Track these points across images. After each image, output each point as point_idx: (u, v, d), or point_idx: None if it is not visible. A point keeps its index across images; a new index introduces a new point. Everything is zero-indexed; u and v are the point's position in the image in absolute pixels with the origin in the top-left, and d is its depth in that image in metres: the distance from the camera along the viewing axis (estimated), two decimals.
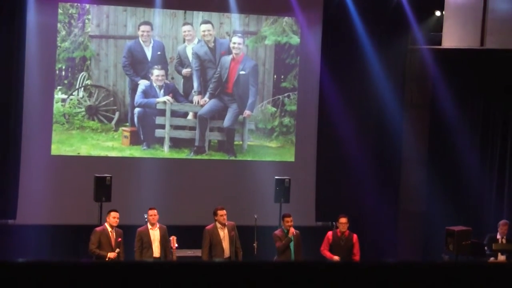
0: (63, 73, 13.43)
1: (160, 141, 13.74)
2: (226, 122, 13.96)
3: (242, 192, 13.65)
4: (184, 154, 13.86)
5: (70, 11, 13.37)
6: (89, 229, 11.40)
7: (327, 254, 11.65)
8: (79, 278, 3.20)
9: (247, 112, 14.01)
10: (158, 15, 13.64)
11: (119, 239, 11.05)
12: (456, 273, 3.59)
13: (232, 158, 14.02)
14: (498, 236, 12.36)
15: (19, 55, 12.94)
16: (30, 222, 12.90)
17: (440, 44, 13.98)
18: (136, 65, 13.58)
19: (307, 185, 14.05)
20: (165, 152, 13.77)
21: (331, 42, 14.16)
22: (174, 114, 13.78)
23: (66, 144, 13.37)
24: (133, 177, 13.41)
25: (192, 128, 13.87)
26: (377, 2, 14.23)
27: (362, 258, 12.04)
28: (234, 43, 13.90)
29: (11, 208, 12.94)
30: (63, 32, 13.34)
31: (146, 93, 13.62)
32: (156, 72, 13.62)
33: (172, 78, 13.77)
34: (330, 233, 11.81)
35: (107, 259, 10.78)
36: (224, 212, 11.38)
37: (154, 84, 13.64)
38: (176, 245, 11.36)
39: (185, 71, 13.78)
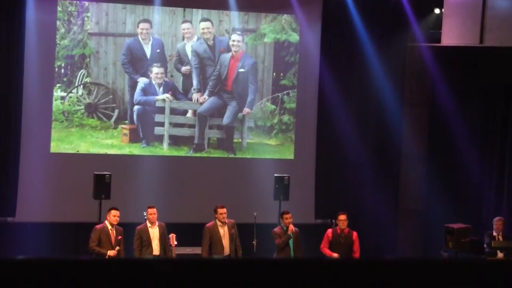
0: (62, 70, 13.42)
1: (160, 138, 13.74)
2: (226, 119, 13.96)
3: (241, 190, 13.65)
4: (184, 152, 13.86)
5: (69, 9, 13.37)
6: (89, 227, 11.40)
7: (327, 251, 11.67)
8: (79, 276, 3.20)
9: (246, 110, 14.01)
10: (158, 13, 13.63)
11: (119, 237, 11.05)
12: (455, 271, 3.59)
13: (232, 155, 14.02)
14: (494, 233, 12.38)
15: (18, 53, 12.93)
16: (29, 220, 12.90)
17: (439, 41, 13.98)
18: (136, 62, 13.58)
19: (307, 183, 14.05)
20: (165, 149, 13.76)
21: (331, 40, 14.16)
22: (173, 111, 13.78)
23: (65, 141, 13.36)
24: (132, 175, 13.41)
25: (191, 126, 13.87)
26: (377, 0, 14.23)
27: (361, 256, 12.04)
28: (234, 40, 13.89)
29: (10, 206, 12.93)
30: (62, 30, 13.33)
31: (146, 91, 13.62)
32: (156, 70, 13.62)
33: (172, 76, 13.77)
34: (329, 231, 11.82)
35: (107, 257, 10.77)
36: (224, 210, 11.39)
37: (154, 82, 13.64)
38: (176, 242, 11.37)
39: (184, 68, 13.77)
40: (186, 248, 12.18)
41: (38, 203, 12.97)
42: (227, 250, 11.42)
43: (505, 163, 14.00)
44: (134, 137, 13.65)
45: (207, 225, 11.48)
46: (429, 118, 14.78)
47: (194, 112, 13.85)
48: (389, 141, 14.34)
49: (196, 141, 13.87)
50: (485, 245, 12.15)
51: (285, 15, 14.09)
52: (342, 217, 11.70)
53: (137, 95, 13.58)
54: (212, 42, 13.83)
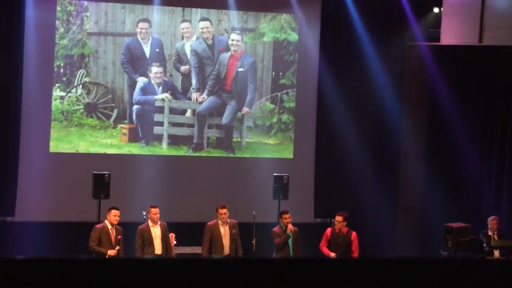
0: (62, 70, 13.41)
1: (159, 138, 13.73)
2: (225, 119, 13.96)
3: (240, 189, 13.65)
4: (183, 151, 13.86)
5: (68, 8, 13.36)
6: (88, 226, 11.39)
7: (325, 250, 11.67)
8: (79, 275, 3.20)
9: (245, 109, 14.01)
10: (157, 12, 13.63)
11: (119, 236, 11.05)
12: (455, 270, 3.59)
13: (231, 155, 14.02)
14: (490, 233, 12.39)
15: (17, 52, 12.93)
16: (29, 219, 12.90)
17: (438, 40, 13.99)
18: (135, 62, 13.58)
19: (306, 182, 14.05)
20: (164, 149, 13.76)
21: (330, 39, 14.16)
22: (172, 111, 13.77)
23: (64, 141, 13.36)
24: (131, 174, 13.40)
25: (190, 125, 13.87)
26: None
27: (360, 255, 12.04)
28: (233, 40, 13.89)
29: (9, 205, 12.93)
30: (62, 29, 13.33)
31: (145, 90, 13.62)
32: (155, 69, 13.62)
33: (171, 75, 13.76)
34: (329, 230, 11.83)
35: (107, 256, 10.77)
36: (224, 210, 11.40)
37: (153, 81, 13.64)
38: (175, 242, 11.37)
39: (183, 68, 13.77)
40: (186, 247, 12.18)
41: (37, 203, 12.96)
42: (227, 249, 11.43)
43: (504, 161, 14.00)
44: (133, 137, 13.64)
45: (208, 223, 11.50)
46: (429, 117, 14.78)
47: (193, 111, 13.86)
48: (388, 140, 14.35)
49: (195, 140, 13.87)
50: (484, 244, 12.15)
51: (284, 15, 14.09)
52: (338, 218, 11.68)
53: (136, 95, 13.58)
54: (211, 41, 13.83)
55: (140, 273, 3.27)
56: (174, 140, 13.81)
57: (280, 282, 3.34)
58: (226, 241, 11.42)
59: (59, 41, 13.29)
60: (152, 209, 11.29)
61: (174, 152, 13.81)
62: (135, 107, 13.60)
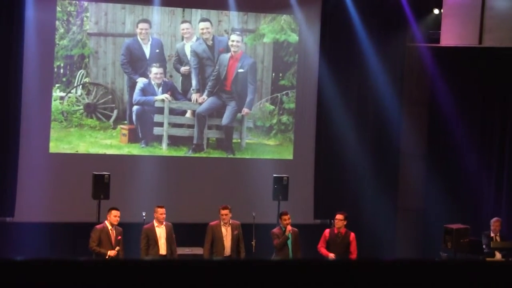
0: (61, 70, 13.41)
1: (159, 139, 13.73)
2: (225, 120, 13.96)
3: (240, 190, 13.65)
4: (183, 152, 13.85)
5: (68, 9, 13.36)
6: (88, 227, 11.39)
7: (323, 251, 11.65)
8: (78, 277, 3.20)
9: (245, 110, 14.00)
10: (157, 13, 13.63)
11: (119, 237, 11.06)
12: (454, 271, 3.59)
13: (231, 156, 14.02)
14: (492, 234, 12.38)
15: (17, 53, 12.93)
16: (28, 220, 12.90)
17: (438, 42, 13.99)
18: (135, 63, 13.58)
19: (306, 183, 14.05)
20: (164, 150, 13.76)
21: (330, 40, 14.16)
22: (172, 112, 13.77)
23: (64, 141, 13.36)
24: (131, 175, 13.40)
25: (190, 126, 13.87)
26: (376, 0, 14.23)
27: (360, 256, 12.04)
28: (233, 41, 13.89)
29: (9, 206, 12.93)
30: (62, 30, 13.32)
31: (145, 91, 13.62)
32: (155, 70, 13.61)
33: (171, 76, 13.76)
34: (327, 231, 11.82)
35: (107, 257, 10.78)
36: (226, 211, 11.41)
37: (153, 82, 13.64)
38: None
39: (183, 69, 13.77)
40: (185, 248, 12.18)
41: (37, 203, 12.96)
42: (227, 250, 11.43)
43: (504, 162, 14.01)
44: (133, 137, 13.64)
45: (210, 223, 11.54)
46: (428, 118, 14.79)
47: (193, 112, 13.85)
48: (388, 141, 14.35)
49: (195, 141, 13.87)
50: (484, 246, 12.15)
51: (284, 16, 14.09)
52: (339, 216, 11.69)
53: (136, 95, 13.58)
54: (211, 42, 13.83)
55: (140, 275, 3.27)
56: (174, 141, 13.81)
57: (279, 284, 3.34)
58: (227, 242, 11.43)
59: (59, 42, 13.29)
60: (159, 209, 11.31)
61: (174, 153, 13.81)
62: (135, 107, 13.60)
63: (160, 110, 13.71)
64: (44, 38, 13.12)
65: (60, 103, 13.36)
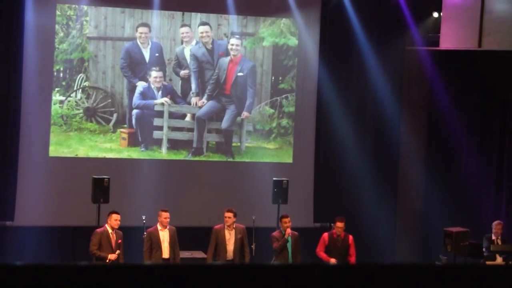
0: (61, 74, 13.42)
1: (158, 142, 13.73)
2: (224, 123, 13.96)
3: (240, 194, 13.64)
4: (182, 156, 13.85)
5: (68, 13, 13.37)
6: (87, 231, 11.39)
7: (323, 255, 11.63)
8: (78, 281, 3.20)
9: (245, 114, 14.01)
10: (156, 17, 13.63)
11: (119, 240, 11.06)
12: (454, 275, 3.59)
13: (230, 159, 14.02)
14: (493, 237, 12.38)
15: (17, 57, 12.93)
16: (28, 224, 12.89)
17: (438, 45, 14.00)
18: (134, 66, 13.58)
19: (305, 186, 14.05)
20: (163, 153, 13.76)
21: (329, 43, 14.17)
22: (172, 115, 13.78)
23: (64, 145, 13.36)
24: (131, 179, 13.40)
25: (190, 130, 13.87)
26: (375, 4, 14.25)
27: (360, 259, 12.05)
28: (232, 44, 13.89)
29: (9, 210, 12.92)
30: (61, 34, 13.33)
31: (144, 95, 13.62)
32: (154, 74, 13.62)
33: (170, 80, 13.77)
34: (326, 235, 11.80)
35: (107, 260, 10.78)
36: (230, 215, 11.45)
37: (152, 86, 13.64)
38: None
39: (183, 72, 13.77)
40: (185, 252, 12.18)
41: (36, 207, 12.96)
42: (230, 254, 11.44)
43: (503, 165, 14.01)
44: (132, 141, 13.64)
45: (215, 227, 11.57)
46: (428, 121, 14.80)
47: (193, 116, 13.86)
48: (388, 144, 14.35)
49: (194, 145, 13.87)
50: (484, 249, 12.15)
51: (283, 19, 14.10)
52: (340, 224, 11.70)
53: (136, 99, 13.59)
54: (210, 46, 13.84)
55: (140, 279, 3.27)
56: (174, 145, 13.81)
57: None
58: (230, 246, 11.44)
59: (58, 46, 13.29)
60: (163, 213, 11.33)
61: (174, 156, 13.81)
62: (134, 111, 13.60)
63: (160, 114, 13.71)
64: (43, 42, 13.12)
65: (59, 107, 13.36)
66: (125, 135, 13.62)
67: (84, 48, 13.39)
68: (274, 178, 13.00)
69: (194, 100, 13.83)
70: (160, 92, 13.68)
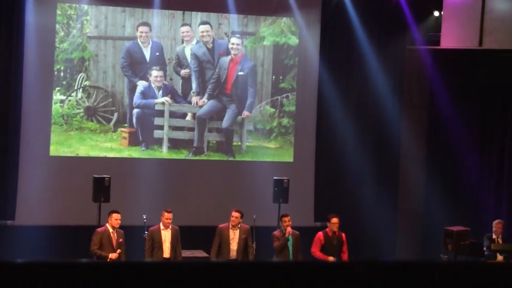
0: (62, 74, 13.42)
1: (159, 142, 13.74)
2: (225, 122, 13.96)
3: (240, 193, 13.65)
4: (183, 155, 13.86)
5: (68, 12, 13.37)
6: (88, 230, 11.40)
7: (320, 255, 11.57)
8: (79, 279, 3.20)
9: (245, 113, 14.01)
10: (157, 16, 13.64)
11: (120, 239, 11.07)
12: (455, 273, 3.59)
13: (231, 158, 14.02)
14: (494, 236, 12.38)
15: (17, 56, 12.94)
16: (29, 223, 12.90)
17: (438, 44, 14.00)
18: (135, 66, 13.58)
19: (306, 186, 14.06)
20: (164, 153, 13.76)
21: (330, 43, 14.17)
22: (172, 115, 13.78)
23: (64, 145, 13.37)
24: (131, 178, 13.40)
25: (190, 129, 13.87)
26: (376, 3, 14.25)
27: (360, 258, 12.04)
28: (233, 43, 13.89)
29: (9, 209, 12.93)
30: (62, 33, 13.33)
31: (145, 94, 13.62)
32: (155, 73, 13.62)
33: (171, 79, 13.77)
34: (320, 234, 11.71)
35: (108, 259, 10.79)
36: (236, 214, 11.48)
37: (153, 85, 13.64)
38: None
39: (183, 72, 13.78)
40: (186, 251, 12.17)
41: (37, 206, 12.97)
42: (233, 253, 11.46)
43: (503, 165, 14.01)
44: (133, 140, 13.65)
45: (220, 225, 11.58)
46: (428, 120, 14.80)
47: (194, 115, 13.86)
48: (388, 143, 14.35)
49: (195, 144, 13.87)
50: (484, 248, 12.15)
51: (284, 18, 14.10)
52: (335, 220, 11.65)
53: (136, 98, 13.59)
54: (211, 45, 13.84)
55: (141, 277, 3.27)
56: (174, 144, 13.81)
57: (278, 285, 3.35)
58: (234, 246, 11.47)
59: (59, 45, 13.30)
60: (165, 213, 11.35)
61: (174, 155, 13.81)
62: (135, 110, 13.60)
63: (160, 113, 13.71)
64: (44, 42, 13.13)
65: (60, 106, 13.36)
66: (126, 135, 13.62)
67: (84, 47, 13.39)
68: (274, 177, 12.99)
69: (194, 99, 13.83)
70: (160, 92, 13.68)
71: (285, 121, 14.22)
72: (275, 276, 3.36)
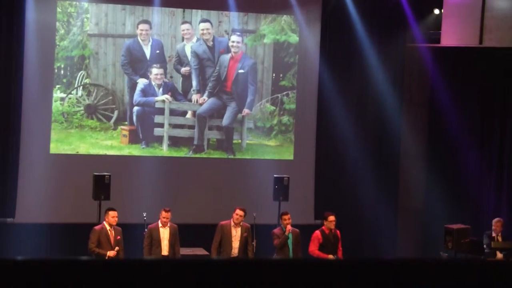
0: (62, 71, 13.42)
1: (159, 139, 13.74)
2: (225, 120, 13.96)
3: (241, 191, 13.65)
4: (183, 153, 13.86)
5: (68, 10, 13.37)
6: (88, 228, 11.40)
7: (320, 254, 11.53)
8: (79, 277, 3.20)
9: (246, 111, 14.01)
10: (157, 14, 13.63)
11: (118, 237, 11.07)
12: (455, 271, 3.59)
13: (231, 156, 14.02)
14: (493, 234, 12.39)
15: (18, 54, 12.94)
16: (29, 221, 12.91)
17: (439, 42, 13.99)
18: (135, 63, 13.58)
19: (306, 183, 14.06)
20: (164, 150, 13.77)
21: (330, 41, 14.17)
22: (173, 112, 13.78)
23: (65, 142, 13.37)
24: (132, 176, 13.41)
25: (191, 127, 13.87)
26: (376, 1, 14.25)
27: (361, 256, 12.04)
28: (233, 41, 13.89)
29: (10, 207, 12.94)
30: (62, 31, 13.33)
31: (145, 92, 13.62)
32: (155, 71, 13.62)
33: (171, 77, 13.77)
34: (318, 232, 11.66)
35: (106, 257, 10.79)
36: (241, 213, 11.49)
37: (153, 83, 13.64)
38: None
39: (184, 69, 13.77)
40: (186, 249, 12.19)
41: (37, 204, 12.97)
42: (235, 251, 11.48)
43: (504, 163, 14.01)
44: (133, 138, 13.65)
45: (221, 222, 11.60)
46: (428, 118, 14.80)
47: (194, 113, 13.86)
48: (389, 141, 14.36)
49: (195, 142, 13.88)
50: (484, 246, 12.15)
51: (284, 16, 14.10)
52: (332, 218, 11.62)
53: (137, 96, 13.59)
54: (211, 43, 13.84)
55: (140, 274, 3.27)
56: (175, 142, 13.82)
57: (278, 284, 3.35)
58: (235, 243, 11.47)
59: (59, 43, 13.29)
60: (163, 213, 11.37)
61: (175, 153, 13.81)
62: (135, 108, 13.60)
63: (161, 111, 13.71)
64: (44, 39, 13.12)
65: (60, 104, 13.36)
66: (126, 132, 13.62)
67: (84, 45, 13.39)
68: (275, 175, 13.00)
69: (195, 97, 13.83)
70: (161, 89, 13.68)
71: (285, 119, 14.22)
72: (275, 274, 3.36)
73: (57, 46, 13.28)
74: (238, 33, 13.92)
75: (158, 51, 13.63)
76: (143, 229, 11.45)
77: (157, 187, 13.31)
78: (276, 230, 11.60)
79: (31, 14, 12.97)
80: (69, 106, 13.42)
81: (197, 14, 13.80)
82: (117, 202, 11.81)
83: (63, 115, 13.39)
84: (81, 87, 13.47)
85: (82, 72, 13.44)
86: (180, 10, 13.75)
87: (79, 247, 12.29)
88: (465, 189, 14.16)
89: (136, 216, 12.02)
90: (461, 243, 11.45)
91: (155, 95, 13.66)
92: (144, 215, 11.62)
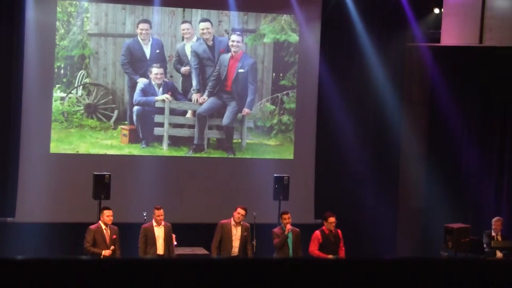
0: (62, 71, 13.42)
1: (159, 139, 13.74)
2: (225, 120, 13.97)
3: (241, 190, 13.66)
4: (183, 152, 13.86)
5: (68, 9, 13.37)
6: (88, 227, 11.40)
7: (320, 254, 11.53)
8: (79, 276, 3.20)
9: (246, 110, 14.01)
10: (157, 13, 13.63)
11: (114, 236, 11.05)
12: (455, 270, 3.59)
13: (231, 156, 14.02)
14: (493, 233, 12.39)
15: (18, 53, 12.94)
16: (29, 220, 12.91)
17: (439, 41, 14.00)
18: (135, 63, 13.58)
19: (306, 183, 14.06)
20: (164, 150, 13.77)
21: (330, 40, 14.17)
22: (173, 112, 13.78)
23: (65, 142, 13.37)
24: (132, 175, 13.41)
25: (191, 126, 13.88)
26: (376, 0, 14.24)
27: (360, 256, 12.04)
28: (233, 41, 13.89)
29: (10, 206, 12.94)
30: (62, 30, 13.33)
31: (145, 91, 13.62)
32: (155, 70, 13.62)
33: (171, 76, 13.77)
34: (318, 233, 11.65)
35: (101, 256, 10.76)
36: (243, 212, 11.48)
37: (153, 82, 13.64)
38: (175, 243, 11.40)
39: (184, 69, 13.78)
40: (186, 248, 12.19)
41: (37, 204, 12.97)
42: (235, 250, 11.48)
43: (504, 162, 14.02)
44: (133, 138, 13.65)
45: (221, 221, 11.59)
46: (429, 117, 14.80)
47: (194, 112, 13.86)
48: (389, 140, 14.36)
49: (195, 141, 13.88)
50: (484, 245, 12.16)
51: (284, 16, 14.10)
52: (333, 219, 11.59)
53: (137, 96, 13.59)
54: (211, 42, 13.84)
55: (135, 273, 3.27)
56: (175, 141, 13.82)
57: (277, 283, 3.35)
58: (236, 242, 11.47)
59: (59, 42, 13.29)
60: (156, 211, 11.33)
61: (175, 153, 13.81)
62: (135, 108, 13.60)
63: (161, 111, 13.71)
64: (44, 39, 13.12)
65: (60, 103, 13.36)
66: (126, 132, 13.62)
67: (85, 44, 13.39)
68: (275, 175, 13.00)
69: (195, 96, 13.83)
70: (161, 89, 13.68)
71: (285, 118, 14.22)
72: (275, 274, 3.36)
73: (57, 46, 13.28)
74: (238, 33, 13.92)
75: (158, 51, 13.63)
76: None
77: (157, 187, 13.31)
78: (276, 229, 11.60)
79: (31, 13, 12.98)
80: (69, 105, 13.42)
81: (197, 14, 13.80)
82: (117, 202, 11.81)
83: (63, 114, 13.39)
84: (81, 86, 13.47)
85: (82, 72, 13.44)
86: (180, 10, 13.75)
87: (79, 247, 12.29)
88: (465, 188, 14.17)
89: (136, 216, 12.03)
90: (461, 243, 11.45)
91: (155, 94, 13.66)
92: (144, 214, 11.62)
